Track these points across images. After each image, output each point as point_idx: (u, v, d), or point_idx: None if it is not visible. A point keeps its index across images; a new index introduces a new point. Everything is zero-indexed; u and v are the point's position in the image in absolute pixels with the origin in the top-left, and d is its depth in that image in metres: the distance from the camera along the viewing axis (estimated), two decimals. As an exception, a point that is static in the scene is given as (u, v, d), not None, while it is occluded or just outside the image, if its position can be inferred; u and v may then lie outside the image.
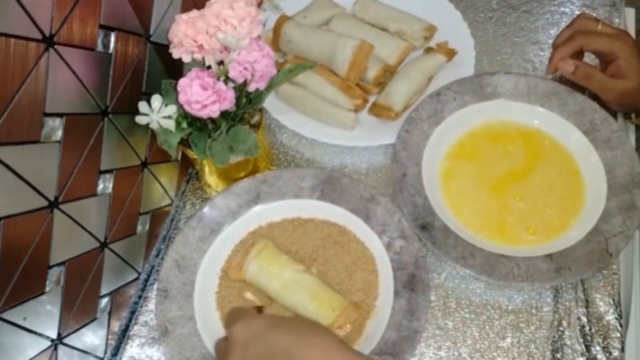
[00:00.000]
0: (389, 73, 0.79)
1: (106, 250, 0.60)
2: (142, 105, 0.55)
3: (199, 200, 0.74)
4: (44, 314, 0.50)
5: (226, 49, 0.57)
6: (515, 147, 0.72)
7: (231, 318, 0.55)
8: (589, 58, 0.73)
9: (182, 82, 0.55)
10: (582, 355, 0.59)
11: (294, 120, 0.76)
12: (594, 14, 0.86)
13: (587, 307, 0.62)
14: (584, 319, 0.61)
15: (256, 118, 0.65)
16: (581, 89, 0.71)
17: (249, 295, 0.62)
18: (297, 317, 0.57)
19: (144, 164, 0.66)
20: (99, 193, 0.57)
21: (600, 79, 0.68)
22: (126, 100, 0.59)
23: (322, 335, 0.48)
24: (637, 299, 0.63)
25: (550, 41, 0.84)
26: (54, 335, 0.52)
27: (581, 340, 0.60)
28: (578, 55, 0.70)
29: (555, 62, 0.69)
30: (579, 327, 0.61)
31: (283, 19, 0.81)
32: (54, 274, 0.51)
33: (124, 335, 0.65)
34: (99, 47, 0.53)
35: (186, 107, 0.55)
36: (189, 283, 0.62)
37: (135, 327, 0.65)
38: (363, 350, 0.57)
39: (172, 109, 0.56)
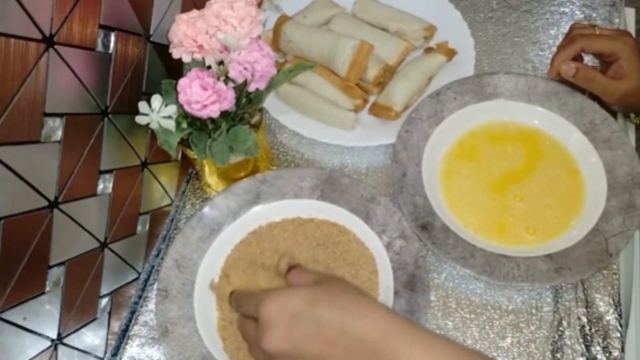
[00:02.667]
0: (389, 73, 0.79)
1: (106, 250, 0.60)
2: (142, 105, 0.55)
3: (199, 200, 0.74)
4: (44, 314, 0.50)
5: (226, 49, 0.57)
6: (515, 147, 0.72)
7: (246, 300, 0.53)
8: (589, 60, 0.73)
9: (182, 82, 0.55)
10: (582, 355, 0.59)
11: (294, 120, 0.76)
12: (594, 14, 0.86)
13: (587, 307, 0.62)
14: (584, 319, 0.61)
15: (256, 118, 0.65)
16: (581, 89, 0.71)
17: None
18: (332, 280, 0.52)
19: (144, 164, 0.66)
20: (99, 193, 0.57)
21: (602, 81, 0.68)
22: (126, 100, 0.59)
23: (369, 304, 0.46)
24: (637, 299, 0.63)
25: (551, 41, 0.84)
26: (54, 335, 0.52)
27: (581, 340, 0.60)
28: (577, 58, 0.70)
29: (556, 66, 0.70)
30: (579, 327, 0.61)
31: (283, 19, 0.81)
32: (54, 274, 0.51)
33: (124, 335, 0.65)
34: (99, 47, 0.53)
35: (186, 107, 0.55)
36: (189, 283, 0.62)
37: (135, 327, 0.65)
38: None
39: (172, 109, 0.56)
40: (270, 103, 0.77)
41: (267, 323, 0.47)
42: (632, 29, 0.88)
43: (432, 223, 0.64)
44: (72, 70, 0.49)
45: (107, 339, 0.63)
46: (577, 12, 0.87)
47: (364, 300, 0.47)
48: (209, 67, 0.58)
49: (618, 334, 0.60)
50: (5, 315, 0.45)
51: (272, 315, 0.47)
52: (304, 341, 0.45)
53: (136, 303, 0.68)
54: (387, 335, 0.43)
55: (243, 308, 0.53)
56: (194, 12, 0.57)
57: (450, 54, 0.80)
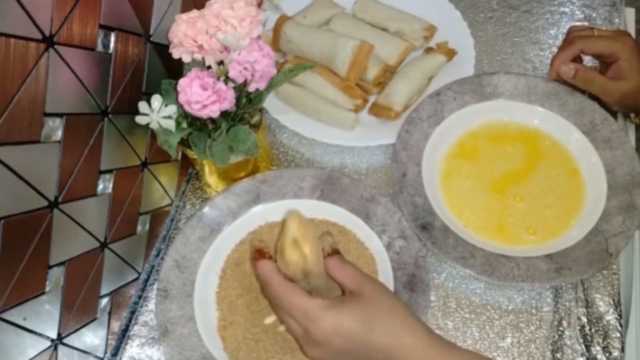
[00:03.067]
0: (389, 73, 0.79)
1: (106, 250, 0.60)
2: (142, 105, 0.55)
3: (199, 200, 0.74)
4: (44, 314, 0.50)
5: (226, 49, 0.57)
6: (515, 147, 0.72)
7: (283, 306, 0.51)
8: (589, 61, 0.73)
9: (182, 82, 0.55)
10: (582, 355, 0.59)
11: (294, 120, 0.76)
12: (594, 14, 0.86)
13: (587, 307, 0.62)
14: (584, 319, 0.61)
15: (256, 118, 0.65)
16: (581, 90, 0.71)
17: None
18: (379, 295, 0.52)
19: (144, 164, 0.66)
20: (99, 193, 0.57)
21: (601, 82, 0.68)
22: (126, 100, 0.59)
23: (414, 327, 0.49)
24: (637, 299, 0.63)
25: (550, 41, 0.84)
26: (54, 335, 0.52)
27: (581, 340, 0.60)
28: (577, 60, 0.70)
29: (555, 67, 0.70)
30: (579, 327, 0.61)
31: (283, 19, 0.81)
32: (54, 274, 0.51)
33: (124, 335, 0.65)
34: (99, 47, 0.53)
35: (186, 107, 0.55)
36: (189, 283, 0.62)
37: (135, 327, 0.65)
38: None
39: (172, 109, 0.56)
40: (270, 103, 0.77)
41: (320, 339, 0.49)
42: (632, 29, 0.88)
43: (432, 223, 0.64)
44: (72, 70, 0.49)
45: (107, 339, 0.63)
46: (577, 12, 0.87)
47: (411, 322, 0.50)
48: (209, 67, 0.58)
49: (618, 334, 0.60)
50: (5, 315, 0.45)
51: (327, 334, 0.48)
52: None
53: (136, 303, 0.68)
54: None
55: (284, 318, 0.53)
56: (194, 12, 0.57)
57: (450, 54, 0.79)
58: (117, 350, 0.64)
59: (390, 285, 0.61)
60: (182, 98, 0.55)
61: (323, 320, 0.48)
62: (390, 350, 0.48)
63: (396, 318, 0.49)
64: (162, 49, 0.64)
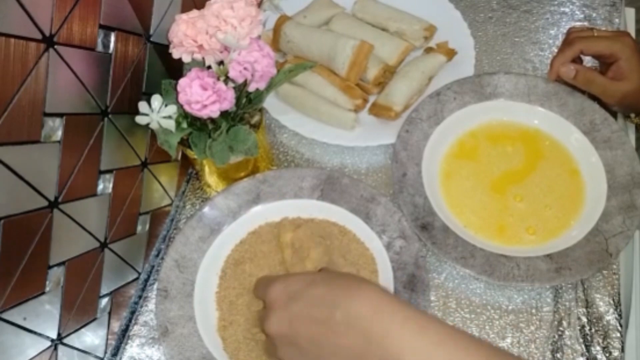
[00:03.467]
0: (389, 73, 0.79)
1: (106, 250, 0.60)
2: (142, 105, 0.55)
3: (199, 200, 0.74)
4: (44, 314, 0.50)
5: (226, 49, 0.57)
6: (515, 147, 0.72)
7: (261, 285, 0.53)
8: (589, 61, 0.73)
9: (182, 82, 0.55)
10: (582, 355, 0.59)
11: (294, 120, 0.76)
12: (594, 14, 0.86)
13: (587, 307, 0.62)
14: (584, 319, 0.61)
15: (256, 118, 0.65)
16: (581, 90, 0.71)
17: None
18: (334, 270, 0.53)
19: (144, 164, 0.66)
20: (99, 193, 0.57)
21: (602, 82, 0.68)
22: (126, 100, 0.59)
23: (362, 283, 0.46)
24: (637, 299, 0.63)
25: (551, 41, 0.84)
26: (54, 335, 0.52)
27: (581, 340, 0.60)
28: (577, 60, 0.70)
29: (555, 68, 0.70)
30: (579, 327, 0.61)
31: (283, 19, 0.81)
32: (54, 274, 0.51)
33: (124, 335, 0.65)
34: (99, 47, 0.53)
35: (186, 107, 0.55)
36: (189, 283, 0.62)
37: (135, 327, 0.65)
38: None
39: (172, 109, 0.56)
40: (270, 103, 0.77)
41: (270, 305, 0.47)
42: (632, 29, 0.88)
43: (432, 223, 0.64)
44: (72, 70, 0.49)
45: (107, 339, 0.63)
46: (577, 12, 0.87)
47: (358, 280, 0.47)
48: (209, 67, 0.58)
49: (618, 334, 0.60)
50: (5, 315, 0.45)
51: (273, 297, 0.47)
52: (298, 322, 0.46)
53: (136, 303, 0.68)
54: (378, 314, 0.43)
55: (256, 292, 0.53)
56: (194, 12, 0.57)
57: (450, 54, 0.80)
58: (117, 350, 0.64)
59: (390, 285, 0.61)
60: (182, 98, 0.55)
61: (274, 283, 0.48)
62: (333, 303, 0.45)
63: (345, 276, 0.49)
64: (162, 49, 0.64)
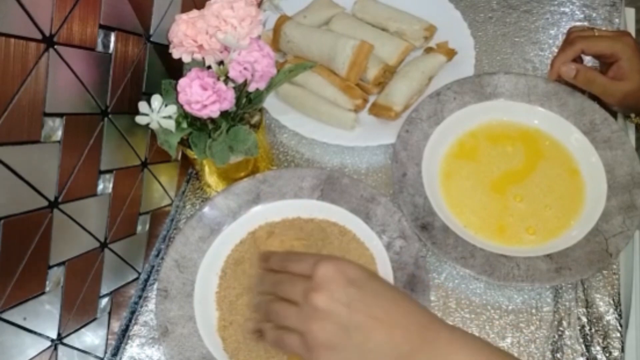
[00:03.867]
0: (389, 73, 0.79)
1: (106, 250, 0.60)
2: (142, 105, 0.55)
3: (199, 200, 0.74)
4: (44, 314, 0.50)
5: (226, 49, 0.57)
6: (515, 147, 0.72)
7: (292, 258, 0.52)
8: (589, 61, 0.73)
9: (182, 82, 0.55)
10: (582, 355, 0.59)
11: (294, 120, 0.76)
12: (594, 14, 0.86)
13: (587, 307, 0.62)
14: (584, 319, 0.61)
15: (256, 118, 0.65)
16: (581, 89, 0.71)
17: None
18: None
19: (144, 164, 0.66)
20: (99, 193, 0.57)
21: (602, 82, 0.68)
22: (126, 100, 0.59)
23: (408, 304, 0.48)
24: (637, 299, 0.63)
25: (551, 41, 0.84)
26: (54, 335, 0.52)
27: (581, 340, 0.60)
28: (577, 60, 0.70)
29: (556, 68, 0.70)
30: (579, 327, 0.61)
31: (283, 19, 0.81)
32: (54, 274, 0.51)
33: (124, 335, 0.65)
34: (99, 47, 0.53)
35: (186, 107, 0.55)
36: (189, 283, 0.62)
37: (135, 327, 0.65)
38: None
39: (172, 109, 0.56)
40: (270, 103, 0.77)
41: (326, 281, 0.47)
42: (632, 29, 0.88)
43: (432, 223, 0.64)
44: (72, 70, 0.49)
45: (107, 339, 0.63)
46: (577, 12, 0.87)
47: (403, 298, 0.49)
48: (209, 67, 0.58)
49: (618, 334, 0.60)
50: (5, 315, 0.45)
51: (328, 275, 0.47)
52: (357, 308, 0.46)
53: (136, 303, 0.68)
54: (434, 322, 0.47)
55: (293, 265, 0.52)
56: (194, 12, 0.57)
57: (450, 54, 0.79)
58: (117, 350, 0.64)
59: (390, 285, 0.61)
60: (182, 98, 0.55)
61: (329, 261, 0.48)
62: (392, 305, 0.47)
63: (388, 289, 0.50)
64: (162, 49, 0.64)
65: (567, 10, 0.88)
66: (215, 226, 0.65)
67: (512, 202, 0.68)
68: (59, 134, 0.48)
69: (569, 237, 0.63)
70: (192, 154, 0.62)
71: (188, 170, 0.77)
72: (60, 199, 0.50)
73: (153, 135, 0.66)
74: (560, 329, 0.61)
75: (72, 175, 0.51)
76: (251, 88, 0.59)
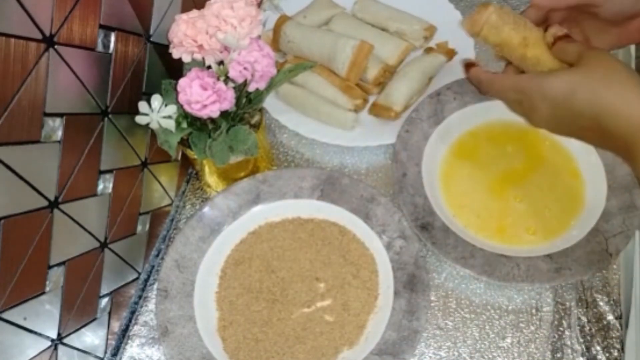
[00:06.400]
0: (389, 73, 0.79)
1: (106, 250, 0.60)
2: (142, 105, 0.55)
3: (199, 200, 0.74)
4: (44, 314, 0.51)
5: (226, 49, 0.57)
6: (515, 147, 0.72)
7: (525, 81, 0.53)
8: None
9: (182, 82, 0.55)
10: (582, 355, 0.59)
11: (294, 120, 0.76)
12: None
13: (587, 307, 0.62)
14: (584, 319, 0.61)
15: (256, 118, 0.65)
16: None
17: None
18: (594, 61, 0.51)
19: (144, 164, 0.66)
20: (99, 193, 0.57)
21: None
22: (126, 100, 0.59)
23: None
24: (637, 299, 0.63)
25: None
26: (54, 335, 0.52)
27: (581, 340, 0.60)
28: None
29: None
30: (579, 327, 0.61)
31: (283, 19, 0.81)
32: (54, 274, 0.51)
33: (124, 335, 0.65)
34: (99, 47, 0.53)
35: (186, 107, 0.55)
36: (189, 283, 0.62)
37: (135, 327, 0.65)
38: (363, 350, 0.57)
39: (172, 109, 0.56)
40: (270, 103, 0.77)
41: (532, 104, 0.50)
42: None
43: (432, 223, 0.64)
44: (72, 70, 0.49)
45: (107, 339, 0.63)
46: (577, 12, 0.87)
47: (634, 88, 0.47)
48: (209, 67, 0.58)
49: (618, 334, 0.60)
50: (5, 315, 0.45)
51: (534, 100, 0.50)
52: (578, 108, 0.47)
53: (136, 303, 0.68)
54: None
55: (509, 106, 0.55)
56: (194, 12, 0.57)
57: (450, 54, 0.80)
58: (117, 350, 0.64)
59: (391, 285, 0.61)
60: (182, 98, 0.55)
61: (529, 88, 0.50)
62: (597, 116, 0.46)
63: (610, 86, 0.47)
64: (162, 49, 0.64)
65: (567, 10, 0.87)
66: (215, 226, 0.65)
67: (512, 202, 0.68)
68: (59, 134, 0.48)
69: (569, 237, 0.63)
70: (192, 154, 0.62)
71: (188, 170, 0.77)
72: (60, 199, 0.50)
73: (153, 135, 0.66)
74: (560, 329, 0.61)
75: (72, 175, 0.51)
76: (251, 88, 0.59)
